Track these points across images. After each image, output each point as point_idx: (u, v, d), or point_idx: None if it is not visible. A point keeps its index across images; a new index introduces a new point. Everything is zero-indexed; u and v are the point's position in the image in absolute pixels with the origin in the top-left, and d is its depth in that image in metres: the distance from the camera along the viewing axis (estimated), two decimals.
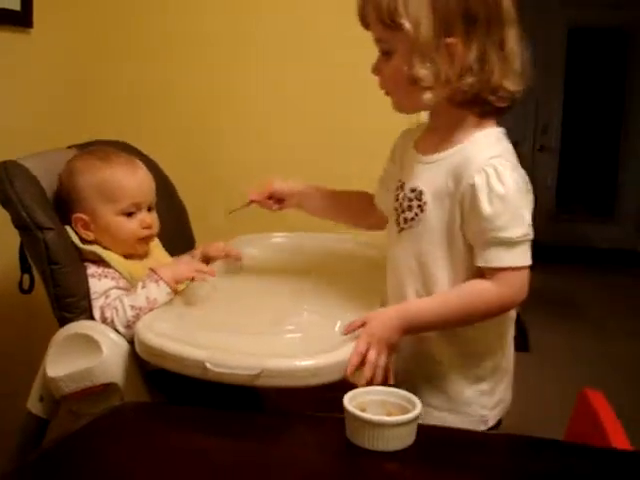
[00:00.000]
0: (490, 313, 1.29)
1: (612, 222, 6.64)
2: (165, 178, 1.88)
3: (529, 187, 1.29)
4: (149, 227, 1.58)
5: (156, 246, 1.67)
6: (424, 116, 1.44)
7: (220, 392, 1.25)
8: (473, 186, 1.24)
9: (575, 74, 6.52)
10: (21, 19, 2.05)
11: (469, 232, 1.28)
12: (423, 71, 1.24)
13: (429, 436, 1.12)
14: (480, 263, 1.27)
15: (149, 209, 1.60)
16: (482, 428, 1.36)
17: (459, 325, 1.32)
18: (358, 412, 1.08)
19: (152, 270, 1.47)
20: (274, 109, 2.31)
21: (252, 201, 1.66)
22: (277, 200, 1.66)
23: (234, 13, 2.28)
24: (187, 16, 2.31)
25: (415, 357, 1.37)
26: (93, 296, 1.46)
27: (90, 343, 1.37)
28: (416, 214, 1.33)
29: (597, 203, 6.64)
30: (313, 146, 2.29)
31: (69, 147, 1.72)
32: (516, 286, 1.26)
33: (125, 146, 1.75)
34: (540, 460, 1.12)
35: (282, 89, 2.30)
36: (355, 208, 1.65)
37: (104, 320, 1.43)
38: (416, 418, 1.08)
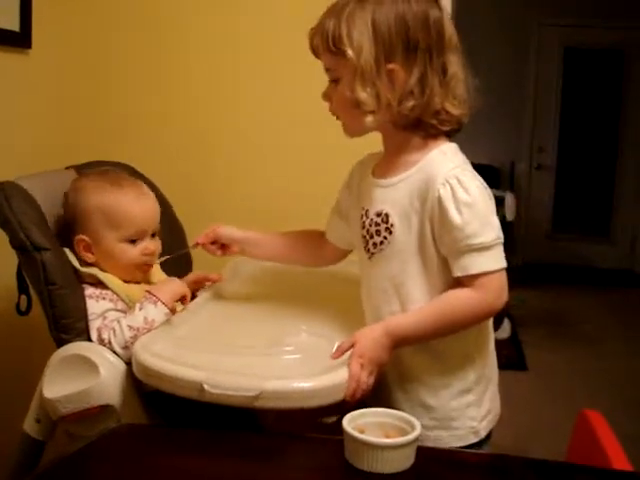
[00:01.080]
0: (474, 320, 1.31)
1: (608, 242, 6.65)
2: (161, 197, 1.88)
3: (490, 193, 1.32)
4: (151, 254, 1.58)
5: (156, 271, 1.67)
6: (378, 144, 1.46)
7: (218, 414, 1.24)
8: (439, 199, 1.27)
9: (571, 93, 6.56)
10: (20, 40, 2.05)
11: (442, 245, 1.30)
12: (364, 95, 1.29)
13: (428, 458, 1.12)
14: (457, 273, 1.28)
15: (153, 235, 1.60)
16: (474, 440, 1.37)
17: (445, 335, 1.33)
18: (357, 434, 1.08)
19: (149, 292, 1.47)
20: (272, 132, 2.31)
21: (197, 244, 1.68)
22: (221, 246, 1.68)
23: (232, 36, 2.29)
24: (185, 37, 2.32)
25: (397, 382, 1.38)
26: (90, 317, 1.46)
27: (87, 364, 1.37)
28: (385, 237, 1.36)
29: (593, 223, 6.65)
30: (308, 167, 2.29)
31: (67, 168, 1.72)
32: (496, 290, 1.28)
33: (124, 167, 1.75)
34: None
35: (282, 113, 2.30)
36: (303, 248, 1.67)
37: (101, 341, 1.42)
38: (415, 440, 1.08)
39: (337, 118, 1.41)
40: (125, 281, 1.55)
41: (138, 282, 1.59)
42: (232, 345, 1.41)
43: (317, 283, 1.78)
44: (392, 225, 1.34)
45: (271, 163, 2.32)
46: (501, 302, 1.29)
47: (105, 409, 1.36)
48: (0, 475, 1.51)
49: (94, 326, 1.45)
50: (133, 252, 1.55)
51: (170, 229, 1.80)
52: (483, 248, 1.26)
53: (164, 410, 1.40)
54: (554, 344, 4.54)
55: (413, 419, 1.12)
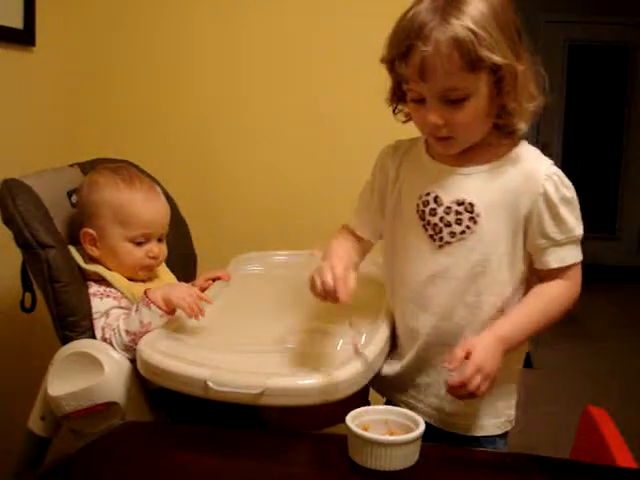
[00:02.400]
0: (566, 311, 1.36)
1: (614, 238, 6.63)
2: (165, 193, 1.88)
3: None
4: (155, 257, 1.57)
5: (161, 268, 1.67)
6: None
7: (222, 411, 1.25)
8: (545, 194, 1.29)
9: (576, 90, 6.54)
10: (23, 37, 2.05)
11: (539, 238, 1.32)
12: (527, 105, 1.28)
13: (432, 455, 1.12)
14: (554, 264, 1.32)
15: (159, 239, 1.60)
16: (509, 428, 1.42)
17: (542, 330, 1.36)
18: (361, 431, 1.07)
19: (145, 293, 1.45)
20: (276, 131, 2.31)
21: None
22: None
23: (237, 33, 2.29)
24: (189, 34, 2.32)
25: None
26: (95, 315, 1.46)
27: (92, 362, 1.37)
28: (468, 227, 1.32)
29: (599, 219, 6.63)
30: (313, 167, 2.29)
31: (72, 165, 1.72)
32: (579, 279, 1.36)
33: (128, 165, 1.75)
34: (547, 479, 1.11)
35: (286, 112, 2.30)
36: (357, 257, 1.52)
37: (105, 340, 1.42)
38: (419, 437, 1.08)
39: (445, 138, 1.30)
40: (129, 279, 1.55)
41: (143, 281, 1.58)
42: (236, 342, 1.41)
43: None
44: (478, 215, 1.31)
45: (276, 160, 2.32)
46: (580, 291, 1.36)
47: (110, 406, 1.36)
48: (5, 472, 1.51)
49: (98, 325, 1.45)
50: (137, 253, 1.55)
51: (174, 225, 1.80)
52: (578, 240, 1.33)
53: (168, 407, 1.41)
54: (560, 341, 4.53)
55: (417, 416, 1.12)
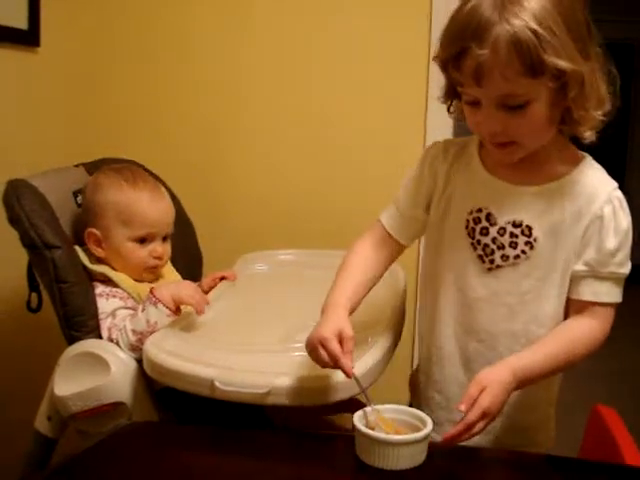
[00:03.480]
0: (592, 352, 1.24)
1: None
2: (170, 193, 1.88)
3: None
4: (159, 258, 1.58)
5: (167, 266, 1.67)
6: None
7: (229, 411, 1.24)
8: (602, 218, 1.19)
9: None
10: (28, 38, 2.05)
11: (581, 264, 1.21)
12: (594, 113, 1.15)
13: (440, 454, 1.11)
14: (588, 297, 1.21)
15: (164, 239, 1.60)
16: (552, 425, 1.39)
17: (564, 370, 1.28)
18: (368, 430, 1.07)
19: (151, 292, 1.45)
20: (281, 129, 2.31)
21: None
22: None
23: (242, 31, 2.29)
24: (195, 33, 2.32)
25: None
26: (101, 316, 1.46)
27: (98, 362, 1.37)
28: (523, 251, 1.23)
29: None
30: (317, 167, 2.29)
31: (77, 165, 1.72)
32: (609, 322, 1.23)
33: (133, 165, 1.75)
34: (554, 477, 1.11)
35: (291, 110, 2.30)
36: (380, 271, 1.40)
37: (111, 340, 1.42)
38: (427, 437, 1.07)
39: (504, 145, 1.18)
40: (135, 279, 1.55)
41: (150, 281, 1.58)
42: (243, 342, 1.41)
43: (327, 279, 1.78)
44: (535, 240, 1.22)
45: (282, 160, 2.32)
46: (607, 336, 1.23)
47: (116, 406, 1.36)
48: (12, 472, 1.51)
49: (104, 325, 1.45)
50: (141, 253, 1.55)
51: (180, 226, 1.80)
52: (621, 279, 1.22)
53: (175, 407, 1.41)
54: None
55: (424, 415, 1.11)
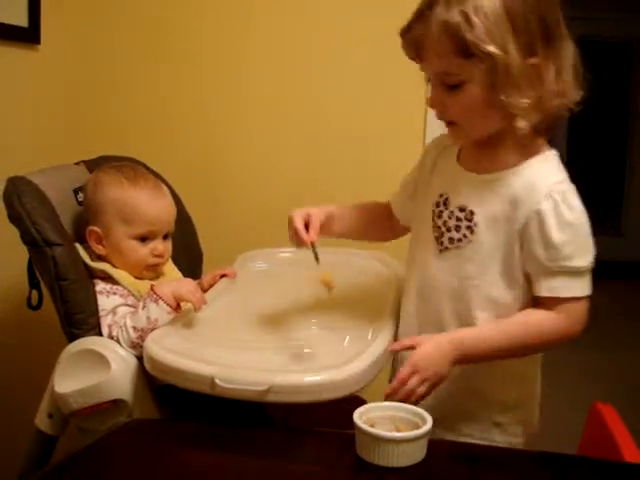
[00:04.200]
0: (548, 345, 1.26)
1: (619, 235, 6.62)
2: (172, 193, 1.88)
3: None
4: (160, 256, 1.58)
5: (167, 264, 1.67)
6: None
7: (229, 408, 1.24)
8: (540, 212, 1.20)
9: (581, 86, 6.52)
10: (28, 35, 2.06)
11: (530, 260, 1.22)
12: (520, 100, 1.17)
13: (439, 451, 1.12)
14: (544, 292, 1.22)
15: (165, 237, 1.60)
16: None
17: (512, 357, 1.28)
18: (368, 428, 1.07)
19: (152, 289, 1.46)
20: (281, 127, 2.32)
21: (312, 243, 1.40)
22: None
23: (242, 33, 2.29)
24: (197, 34, 2.32)
25: (452, 390, 1.31)
26: (101, 313, 1.46)
27: (99, 359, 1.37)
28: (464, 235, 1.27)
29: (604, 216, 6.62)
30: (316, 166, 2.30)
31: (77, 163, 1.72)
32: (577, 317, 1.24)
33: (134, 163, 1.75)
34: (553, 475, 1.11)
35: (291, 108, 2.30)
36: (376, 223, 1.57)
37: (111, 338, 1.42)
38: (426, 434, 1.08)
39: (449, 124, 1.27)
40: (136, 277, 1.55)
41: (151, 279, 1.59)
42: (243, 339, 1.41)
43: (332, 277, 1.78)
44: (475, 225, 1.26)
45: (282, 159, 2.32)
46: (579, 330, 1.24)
47: (117, 404, 1.36)
48: (12, 470, 1.52)
49: (105, 323, 1.45)
50: (142, 251, 1.55)
51: (180, 223, 1.80)
52: (576, 272, 1.21)
53: (175, 405, 1.41)
54: None
55: (424, 413, 1.12)
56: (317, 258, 1.35)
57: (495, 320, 1.26)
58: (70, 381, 1.38)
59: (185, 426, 1.29)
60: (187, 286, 1.48)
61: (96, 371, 1.36)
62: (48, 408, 1.48)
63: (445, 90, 1.21)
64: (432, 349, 1.21)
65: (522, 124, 1.19)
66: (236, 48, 2.29)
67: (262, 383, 1.18)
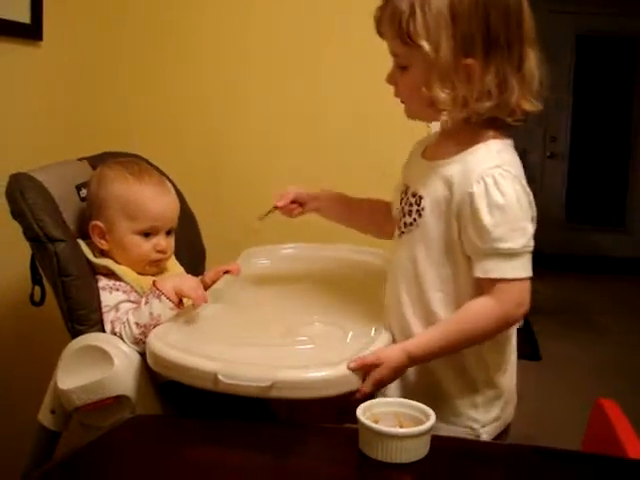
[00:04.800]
0: (495, 330, 1.28)
1: (622, 231, 6.62)
2: (175, 189, 1.88)
3: (531, 199, 1.27)
4: (162, 252, 1.58)
5: (171, 261, 1.67)
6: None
7: (232, 404, 1.25)
8: (471, 195, 1.24)
9: (584, 81, 6.52)
10: (31, 32, 2.06)
11: (467, 242, 1.26)
12: (441, 94, 1.23)
13: (442, 448, 1.12)
14: (478, 274, 1.25)
15: (168, 233, 1.60)
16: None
17: (465, 347, 1.30)
18: (371, 423, 1.07)
19: (154, 284, 1.46)
20: (285, 124, 2.32)
21: (277, 207, 1.63)
22: (299, 204, 1.65)
23: (244, 30, 2.29)
24: (200, 30, 2.32)
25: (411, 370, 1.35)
26: (104, 309, 1.46)
27: (102, 355, 1.37)
28: (414, 219, 1.33)
29: (607, 212, 6.62)
30: (322, 162, 2.29)
31: (80, 159, 1.72)
32: (516, 299, 1.25)
33: (138, 159, 1.75)
34: (557, 471, 1.11)
35: (293, 104, 2.30)
36: (371, 216, 1.63)
37: (114, 334, 1.42)
38: (429, 430, 1.08)
39: (401, 101, 1.36)
40: (138, 273, 1.55)
41: (153, 274, 1.59)
42: (246, 335, 1.41)
43: (330, 272, 1.78)
44: (423, 209, 1.31)
45: (284, 155, 2.32)
46: (520, 313, 1.26)
47: (119, 400, 1.36)
48: (16, 466, 1.52)
49: (107, 319, 1.45)
50: (145, 246, 1.55)
51: (183, 220, 1.80)
52: (509, 254, 1.23)
53: (178, 401, 1.41)
54: (568, 334, 4.53)
55: (428, 409, 1.12)
56: (263, 217, 1.62)
57: (441, 321, 1.31)
58: (73, 377, 1.38)
59: (188, 422, 1.29)
60: (189, 282, 1.48)
61: (99, 367, 1.37)
62: (51, 404, 1.48)
63: (398, 70, 1.31)
64: (392, 369, 1.26)
65: (444, 118, 1.27)
66: (239, 45, 2.29)
67: (265, 379, 1.18)
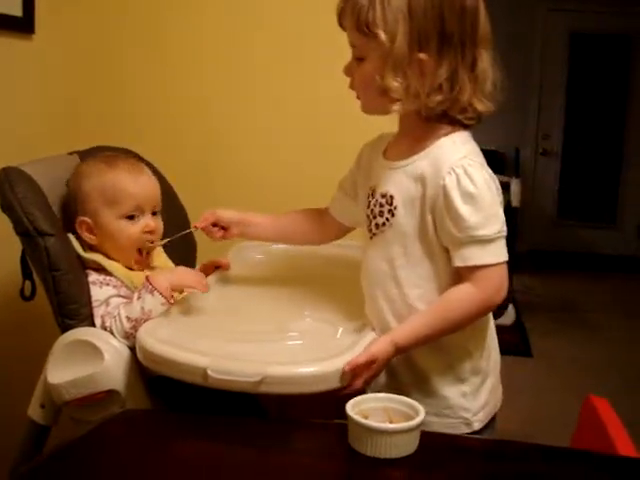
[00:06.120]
0: (476, 315, 1.31)
1: (614, 228, 6.64)
2: (166, 184, 1.88)
3: (497, 184, 1.31)
4: (152, 232, 1.57)
5: (159, 254, 1.67)
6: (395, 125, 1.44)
7: (222, 399, 1.25)
8: (444, 187, 1.26)
9: (577, 79, 6.53)
10: (23, 25, 2.05)
11: (443, 234, 1.29)
12: (393, 83, 1.26)
13: (432, 443, 1.12)
14: (458, 263, 1.28)
15: (154, 213, 1.59)
16: (466, 431, 1.36)
17: (448, 334, 1.32)
18: (361, 419, 1.08)
19: (147, 279, 1.45)
20: (278, 120, 2.31)
21: (195, 227, 1.65)
22: (221, 228, 1.64)
23: (244, 29, 2.28)
24: (196, 24, 2.31)
25: (398, 362, 1.36)
26: (94, 304, 1.45)
27: (92, 350, 1.37)
28: (387, 219, 1.35)
29: (599, 209, 6.64)
30: (315, 164, 2.29)
31: (70, 153, 1.72)
32: (495, 284, 1.28)
33: (127, 152, 1.75)
34: (546, 467, 1.11)
35: (286, 104, 2.30)
36: (303, 226, 1.65)
37: (104, 329, 1.42)
38: (419, 425, 1.08)
39: (356, 96, 1.38)
40: (128, 268, 1.55)
41: (141, 269, 1.58)
42: (236, 331, 1.41)
43: (320, 268, 1.78)
44: (395, 207, 1.33)
45: (279, 151, 2.32)
46: (500, 296, 1.29)
47: (109, 394, 1.36)
48: (5, 460, 1.51)
49: (98, 313, 1.45)
50: (132, 229, 1.54)
51: (175, 218, 1.80)
52: (485, 240, 1.26)
53: (168, 395, 1.41)
54: (559, 330, 4.54)
55: (417, 404, 1.12)
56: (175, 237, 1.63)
57: (423, 310, 1.32)
58: (63, 372, 1.38)
59: (178, 417, 1.29)
60: (184, 273, 1.51)
61: (89, 362, 1.36)
62: (41, 398, 1.48)
63: (355, 62, 1.34)
64: (383, 363, 1.28)
65: (395, 107, 1.30)
66: (237, 42, 2.28)
67: (255, 374, 1.18)
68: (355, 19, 1.27)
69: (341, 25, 1.34)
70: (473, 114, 1.31)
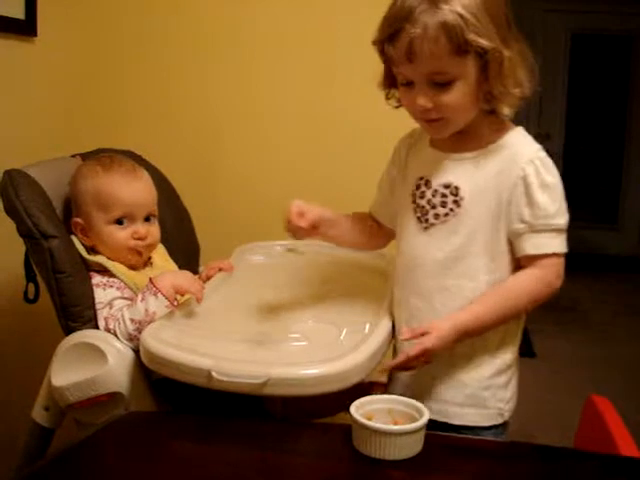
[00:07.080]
0: (537, 301, 1.33)
1: (616, 229, 6.62)
2: (169, 185, 1.88)
3: None
4: (142, 238, 1.56)
5: (162, 255, 1.67)
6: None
7: (225, 401, 1.25)
8: (525, 177, 1.30)
9: (578, 79, 6.52)
10: (25, 28, 2.05)
11: (517, 222, 1.31)
12: (512, 88, 1.28)
13: (436, 444, 1.12)
14: (530, 250, 1.31)
15: (147, 220, 1.59)
16: (499, 421, 1.38)
17: (509, 320, 1.35)
18: (365, 420, 1.08)
19: (151, 281, 1.45)
20: (279, 121, 2.31)
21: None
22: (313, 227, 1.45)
23: (243, 26, 2.28)
24: (196, 27, 2.31)
25: (441, 355, 1.35)
26: (98, 306, 1.46)
27: (95, 352, 1.37)
28: (451, 209, 1.35)
29: (600, 210, 6.63)
30: (318, 159, 2.29)
31: (73, 155, 1.72)
32: (558, 272, 1.32)
33: (130, 154, 1.75)
34: (549, 467, 1.11)
35: (287, 104, 2.30)
36: (363, 232, 1.58)
37: (108, 331, 1.42)
38: (423, 427, 1.08)
39: (433, 120, 1.32)
40: (131, 267, 1.55)
41: (144, 267, 1.59)
42: (240, 332, 1.41)
43: (324, 269, 1.78)
44: (462, 198, 1.33)
45: (280, 152, 2.32)
46: (558, 285, 1.32)
47: (113, 397, 1.36)
48: (9, 463, 1.52)
49: (101, 315, 1.45)
50: (120, 234, 1.54)
51: (178, 219, 1.81)
52: (559, 230, 1.31)
53: (172, 397, 1.41)
54: (562, 331, 4.53)
55: (421, 405, 1.12)
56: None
57: (484, 294, 1.33)
58: (67, 374, 1.38)
59: (182, 419, 1.29)
60: (186, 276, 1.50)
61: (93, 364, 1.37)
62: (45, 401, 1.48)
63: (435, 89, 1.27)
64: (440, 338, 1.28)
65: (507, 111, 1.34)
66: (237, 41, 2.29)
67: (259, 376, 1.18)
68: (452, 42, 1.21)
69: (412, 58, 1.24)
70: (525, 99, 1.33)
